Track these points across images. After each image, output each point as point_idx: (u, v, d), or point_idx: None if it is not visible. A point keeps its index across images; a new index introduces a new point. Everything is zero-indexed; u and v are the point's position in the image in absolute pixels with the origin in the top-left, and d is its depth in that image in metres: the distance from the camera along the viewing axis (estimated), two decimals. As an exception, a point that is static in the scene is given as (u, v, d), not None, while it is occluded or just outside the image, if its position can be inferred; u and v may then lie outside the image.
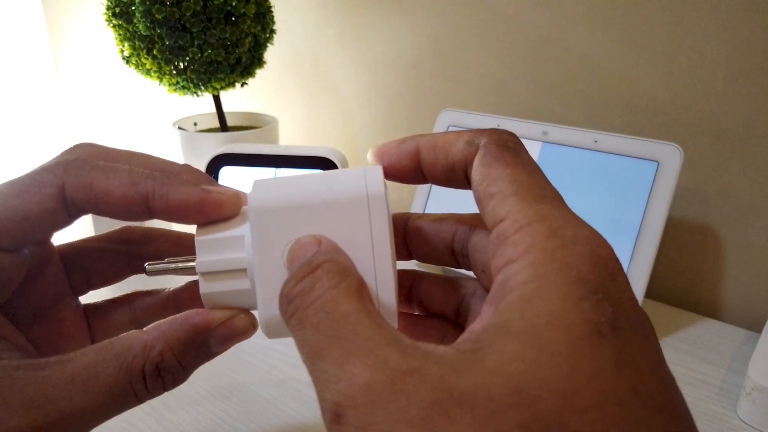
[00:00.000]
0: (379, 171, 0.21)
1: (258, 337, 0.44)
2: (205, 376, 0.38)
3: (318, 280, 0.17)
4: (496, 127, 0.51)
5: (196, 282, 0.25)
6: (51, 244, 0.25)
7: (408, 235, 0.23)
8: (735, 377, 0.39)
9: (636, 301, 0.16)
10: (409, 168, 0.21)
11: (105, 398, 0.20)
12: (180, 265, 0.22)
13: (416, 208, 0.54)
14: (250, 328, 0.22)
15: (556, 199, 0.18)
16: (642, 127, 0.51)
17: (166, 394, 0.37)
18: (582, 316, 0.15)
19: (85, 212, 0.22)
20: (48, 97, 0.91)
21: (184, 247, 0.26)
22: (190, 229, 0.23)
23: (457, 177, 0.20)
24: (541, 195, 0.18)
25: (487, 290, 0.22)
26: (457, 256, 0.23)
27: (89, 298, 0.27)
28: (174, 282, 0.27)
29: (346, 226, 0.20)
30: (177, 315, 0.21)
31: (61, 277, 0.25)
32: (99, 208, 0.22)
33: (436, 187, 0.53)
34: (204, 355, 0.22)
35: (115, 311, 0.27)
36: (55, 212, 0.21)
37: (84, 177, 0.21)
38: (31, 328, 0.24)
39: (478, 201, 0.19)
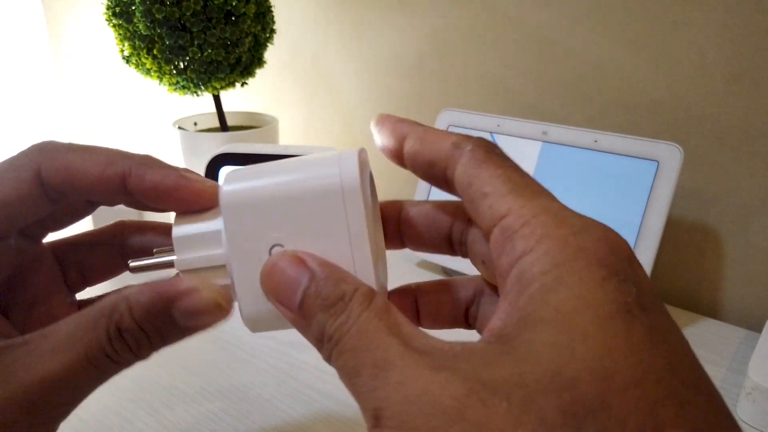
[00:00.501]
0: (354, 159, 0.20)
1: (258, 336, 0.44)
2: (205, 375, 0.38)
3: (351, 312, 0.17)
4: (496, 126, 0.51)
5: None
6: (42, 242, 0.25)
7: (402, 224, 0.23)
8: (735, 377, 0.39)
9: (653, 285, 0.16)
10: (393, 148, 0.21)
11: (81, 360, 0.19)
12: (160, 260, 0.22)
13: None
14: (214, 306, 0.20)
15: (552, 195, 0.18)
16: (642, 127, 0.51)
17: (165, 393, 0.37)
18: (608, 296, 0.15)
19: (65, 195, 0.22)
20: (48, 97, 0.91)
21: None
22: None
23: (434, 174, 0.20)
24: (538, 191, 0.18)
25: (488, 282, 0.22)
26: (454, 245, 0.22)
27: (88, 294, 0.27)
28: (170, 274, 0.27)
29: (321, 220, 0.19)
30: (150, 281, 0.21)
31: (54, 274, 0.25)
32: (76, 188, 0.21)
33: (435, 190, 0.53)
34: (169, 327, 0.20)
35: (103, 248, 0.26)
36: (33, 196, 0.21)
37: (60, 158, 0.21)
38: (24, 326, 0.24)
39: (470, 202, 0.19)
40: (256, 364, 0.40)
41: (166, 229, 0.26)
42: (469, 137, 0.20)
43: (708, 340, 0.44)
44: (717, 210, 0.49)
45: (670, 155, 0.43)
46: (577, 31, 0.52)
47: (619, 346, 0.14)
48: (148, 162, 0.22)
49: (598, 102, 0.53)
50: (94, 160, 0.21)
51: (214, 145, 0.57)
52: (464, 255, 0.22)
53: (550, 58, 0.55)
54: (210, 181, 0.22)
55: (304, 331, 0.18)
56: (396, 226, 0.23)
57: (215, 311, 0.20)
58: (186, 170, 0.22)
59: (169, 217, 0.23)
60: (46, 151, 0.22)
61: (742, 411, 0.36)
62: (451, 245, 0.22)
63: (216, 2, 0.51)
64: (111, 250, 0.26)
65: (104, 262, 0.26)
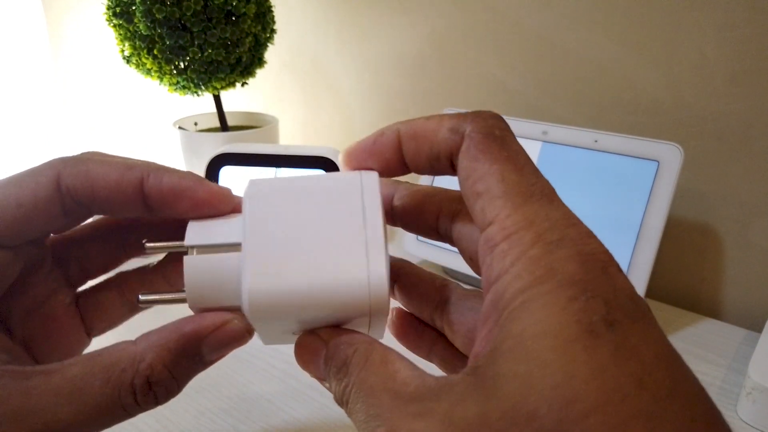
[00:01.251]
0: (382, 258, 0.19)
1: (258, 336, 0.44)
2: (205, 375, 0.38)
3: (351, 374, 0.18)
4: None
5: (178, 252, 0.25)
6: (44, 243, 0.24)
7: (393, 207, 0.23)
8: (735, 377, 0.39)
9: (633, 290, 0.16)
10: (393, 161, 0.21)
11: (91, 412, 0.19)
12: (172, 296, 0.22)
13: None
14: (244, 333, 0.21)
15: (545, 195, 0.17)
16: (642, 127, 0.51)
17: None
18: (572, 318, 0.14)
19: (81, 205, 0.22)
20: (48, 97, 0.91)
21: (177, 228, 0.25)
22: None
23: (443, 166, 0.20)
24: (530, 193, 0.17)
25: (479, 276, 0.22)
26: (442, 236, 0.22)
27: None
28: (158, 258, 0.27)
29: (347, 313, 0.20)
30: (168, 324, 0.20)
31: (54, 273, 0.25)
32: (95, 194, 0.21)
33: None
34: (198, 365, 0.21)
35: (105, 297, 0.26)
36: (50, 201, 0.21)
37: (80, 165, 0.21)
38: (25, 326, 0.24)
39: (466, 198, 0.18)
40: (256, 364, 0.40)
41: (160, 221, 0.25)
42: (466, 116, 0.19)
43: (708, 340, 0.44)
44: (717, 210, 0.49)
45: (671, 155, 0.43)
46: (577, 31, 0.52)
47: (579, 371, 0.14)
48: (165, 168, 0.22)
49: (598, 102, 0.53)
50: (113, 166, 0.21)
51: (214, 145, 0.57)
52: (453, 244, 0.22)
53: (550, 58, 0.55)
54: (219, 187, 0.22)
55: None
56: (389, 210, 0.23)
57: (245, 339, 0.21)
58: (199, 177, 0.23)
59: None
60: (67, 159, 0.22)
61: (742, 411, 0.36)
62: (440, 235, 0.23)
63: (216, 2, 0.51)
64: (109, 241, 0.26)
65: (104, 254, 0.26)
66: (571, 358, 0.14)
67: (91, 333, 0.26)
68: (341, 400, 0.18)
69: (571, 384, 0.13)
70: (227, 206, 0.22)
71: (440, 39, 0.61)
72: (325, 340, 0.20)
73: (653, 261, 0.42)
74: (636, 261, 0.42)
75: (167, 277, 0.26)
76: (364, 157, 0.22)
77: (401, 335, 0.25)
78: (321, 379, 0.20)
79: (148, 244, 0.22)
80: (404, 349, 0.24)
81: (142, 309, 0.26)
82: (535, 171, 0.18)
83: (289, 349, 0.43)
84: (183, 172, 0.22)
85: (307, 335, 0.20)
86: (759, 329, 0.44)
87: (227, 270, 0.20)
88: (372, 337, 0.19)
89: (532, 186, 0.17)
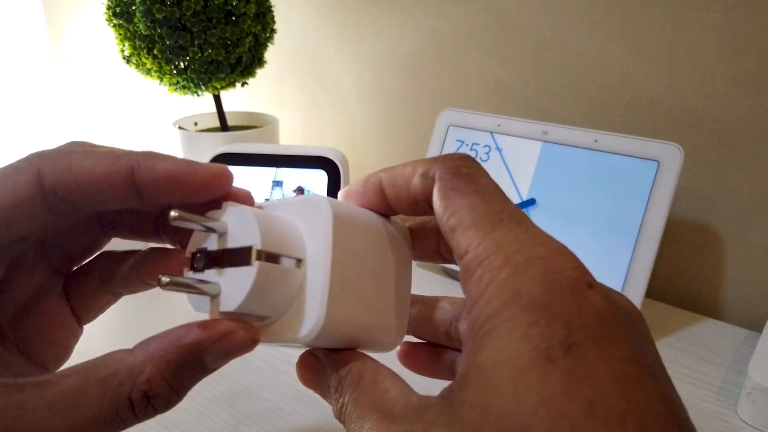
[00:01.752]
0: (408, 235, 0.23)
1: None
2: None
3: (344, 395, 0.19)
4: (496, 126, 0.51)
5: (162, 250, 0.24)
6: (29, 239, 0.23)
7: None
8: (735, 377, 0.39)
9: (604, 306, 0.15)
10: (379, 204, 0.22)
11: (88, 426, 0.18)
12: (199, 285, 0.19)
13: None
14: (249, 343, 0.20)
15: (514, 219, 0.18)
16: (642, 127, 0.51)
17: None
18: (530, 345, 0.14)
19: (66, 201, 0.20)
20: (48, 96, 0.91)
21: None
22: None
23: (422, 208, 0.21)
24: (498, 219, 0.18)
25: None
26: (445, 258, 0.23)
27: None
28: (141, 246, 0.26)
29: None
30: (167, 331, 0.19)
31: (39, 265, 0.24)
32: (81, 189, 0.20)
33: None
34: (200, 373, 0.20)
35: (89, 285, 0.25)
36: (31, 201, 0.19)
37: (62, 160, 0.20)
38: (16, 324, 0.23)
39: (444, 235, 0.19)
40: (256, 363, 0.40)
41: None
42: (435, 160, 0.20)
43: (708, 340, 0.44)
44: (717, 210, 0.49)
45: (671, 155, 0.43)
46: (577, 31, 0.52)
47: (530, 400, 0.14)
48: (155, 154, 0.21)
49: (598, 102, 0.53)
50: (99, 158, 0.20)
51: (214, 145, 0.57)
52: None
53: (550, 57, 0.55)
54: (216, 165, 0.21)
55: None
56: None
57: (250, 348, 0.20)
58: (177, 163, 0.21)
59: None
60: (47, 154, 0.20)
61: (742, 411, 0.36)
62: (443, 257, 0.24)
63: (216, 2, 0.51)
64: (89, 225, 0.25)
65: (85, 238, 0.25)
66: (524, 387, 0.14)
67: (80, 322, 0.25)
68: (340, 418, 0.19)
69: (521, 413, 0.14)
70: (223, 187, 0.21)
71: (440, 39, 0.61)
72: (323, 361, 0.21)
73: (653, 261, 0.42)
74: (636, 261, 0.42)
75: (140, 273, 0.24)
76: (355, 202, 0.22)
77: (419, 368, 0.26)
78: (324, 396, 0.21)
79: (174, 213, 0.19)
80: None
81: (123, 295, 0.25)
82: (503, 198, 0.18)
83: (289, 349, 0.43)
84: (175, 158, 0.21)
85: (306, 356, 0.21)
86: (759, 329, 0.44)
87: (286, 284, 0.19)
88: (366, 355, 0.20)
89: (500, 212, 0.18)
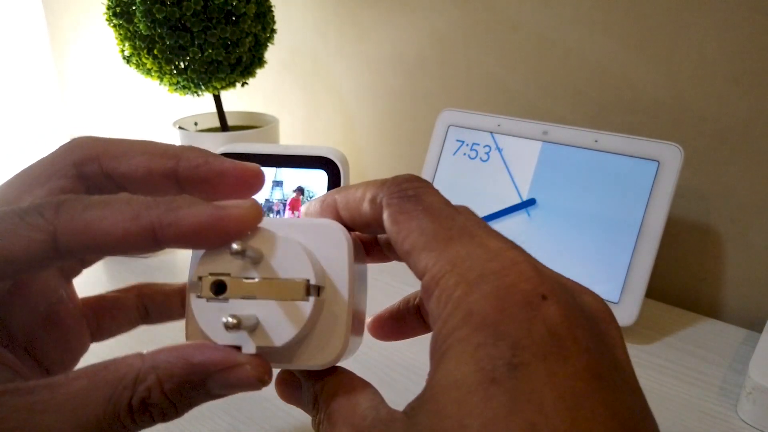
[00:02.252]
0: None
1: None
2: (205, 375, 0.38)
3: (320, 411, 0.19)
4: (497, 126, 0.51)
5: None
6: None
7: (381, 243, 0.24)
8: (735, 377, 0.39)
9: (559, 318, 0.15)
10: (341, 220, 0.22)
11: (92, 428, 0.18)
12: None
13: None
14: (257, 383, 0.19)
15: (466, 233, 0.18)
16: (642, 127, 0.51)
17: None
18: (476, 367, 0.14)
19: (78, 257, 0.19)
20: (48, 97, 0.91)
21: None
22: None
23: (376, 231, 0.21)
24: (449, 237, 0.17)
25: None
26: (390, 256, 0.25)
27: (93, 289, 0.27)
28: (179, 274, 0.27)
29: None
30: (181, 345, 0.19)
31: (54, 272, 0.24)
32: (98, 248, 0.19)
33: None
34: (202, 396, 0.19)
35: (123, 302, 0.25)
36: (43, 258, 0.19)
37: (78, 220, 0.19)
38: (26, 327, 0.23)
39: (402, 259, 0.19)
40: (256, 364, 0.40)
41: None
42: (382, 184, 0.20)
43: (708, 340, 0.44)
44: (717, 210, 0.49)
45: (671, 155, 0.43)
46: (577, 31, 0.52)
47: (474, 424, 0.14)
48: (177, 203, 0.19)
49: (598, 102, 0.53)
50: (117, 216, 0.18)
51: (214, 145, 0.57)
52: None
53: (550, 58, 0.55)
54: (247, 201, 0.19)
55: None
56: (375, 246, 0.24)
57: (257, 387, 0.19)
58: (218, 160, 0.21)
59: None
60: (63, 210, 0.19)
61: (742, 411, 0.36)
62: None
63: (216, 2, 0.51)
64: None
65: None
66: (468, 411, 0.14)
67: (96, 333, 0.25)
68: None
69: None
70: (255, 222, 0.20)
71: (440, 39, 0.61)
72: (298, 377, 0.21)
73: (653, 261, 0.42)
74: (636, 261, 0.42)
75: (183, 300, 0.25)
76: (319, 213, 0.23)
77: (382, 335, 0.26)
78: (306, 412, 0.21)
79: (237, 247, 0.18)
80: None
81: (149, 323, 0.26)
82: (451, 214, 0.18)
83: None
84: (199, 207, 0.19)
85: (284, 373, 0.22)
86: (759, 329, 0.43)
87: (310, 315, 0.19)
88: (340, 369, 0.20)
89: (449, 229, 0.18)
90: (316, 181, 0.47)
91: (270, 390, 0.37)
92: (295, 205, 0.57)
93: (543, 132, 0.49)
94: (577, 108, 0.54)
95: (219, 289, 0.19)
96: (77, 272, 0.25)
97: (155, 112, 0.89)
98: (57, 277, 0.24)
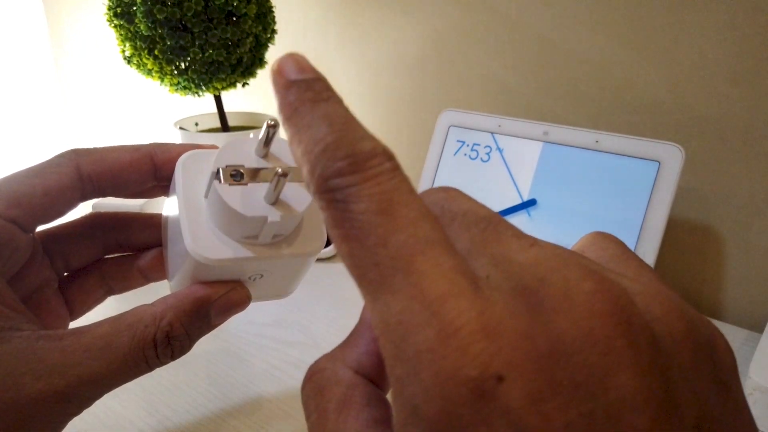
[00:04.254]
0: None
1: (258, 337, 0.44)
2: (206, 375, 0.38)
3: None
4: (497, 127, 0.51)
5: (159, 251, 0.29)
6: (34, 234, 0.27)
7: None
8: (736, 377, 0.39)
9: (526, 402, 0.10)
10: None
11: (119, 365, 0.21)
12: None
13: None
14: (245, 299, 0.25)
15: (399, 270, 0.12)
16: (643, 128, 0.51)
17: (167, 393, 0.37)
18: None
19: (98, 188, 0.25)
20: (49, 97, 0.91)
21: (153, 227, 0.29)
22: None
23: None
24: (378, 278, 0.12)
25: None
26: None
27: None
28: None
29: None
30: (181, 290, 0.24)
31: (44, 263, 0.27)
32: (113, 176, 0.25)
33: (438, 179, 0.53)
34: (206, 326, 0.24)
35: (88, 283, 0.29)
36: (71, 188, 0.24)
37: (94, 154, 0.25)
38: (34, 305, 0.26)
39: None
40: (256, 364, 0.40)
41: (140, 217, 0.29)
42: (313, 165, 0.13)
43: (709, 341, 0.44)
44: (718, 210, 0.49)
45: (672, 156, 0.43)
46: (578, 31, 0.52)
47: None
48: (164, 142, 0.26)
49: (599, 102, 0.53)
50: (122, 149, 0.25)
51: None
52: None
53: (551, 58, 0.55)
54: (210, 144, 0.26)
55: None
56: None
57: (245, 304, 0.25)
58: (188, 144, 0.27)
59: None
60: (80, 151, 0.25)
61: (743, 411, 0.36)
62: None
63: (217, 3, 0.51)
64: (92, 239, 0.29)
65: (86, 251, 0.29)
66: None
67: (72, 315, 0.29)
68: None
69: None
70: None
71: (441, 39, 0.61)
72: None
73: (654, 261, 0.42)
74: (637, 261, 0.42)
75: (143, 270, 0.29)
76: None
77: None
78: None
79: (272, 122, 0.22)
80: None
81: (113, 294, 0.30)
82: (383, 234, 0.12)
83: (289, 348, 0.43)
84: (183, 144, 0.26)
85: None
86: (760, 330, 0.43)
87: None
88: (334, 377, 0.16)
89: (377, 265, 0.12)
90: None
91: (270, 390, 0.37)
92: (295, 206, 0.57)
93: (544, 132, 0.49)
94: (578, 108, 0.54)
95: (236, 176, 0.22)
96: (63, 271, 0.29)
97: (156, 112, 0.89)
98: (50, 270, 0.28)
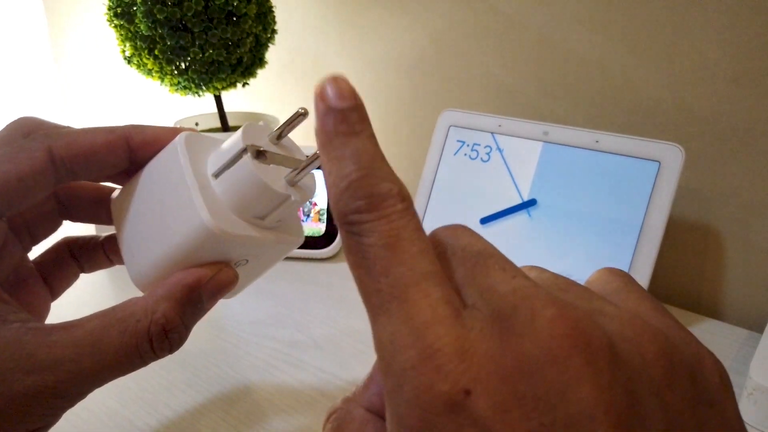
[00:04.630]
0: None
1: (259, 336, 0.44)
2: (205, 375, 0.38)
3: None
4: (497, 127, 0.51)
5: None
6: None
7: None
8: (736, 377, 0.39)
9: (493, 411, 0.12)
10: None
11: (110, 361, 0.21)
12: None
13: (418, 208, 0.54)
14: (234, 279, 0.24)
15: (395, 298, 0.14)
16: (643, 128, 0.51)
17: (166, 393, 0.37)
18: None
19: (71, 171, 0.24)
20: (49, 97, 0.91)
21: (106, 193, 0.28)
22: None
23: None
24: (378, 304, 0.14)
25: None
26: None
27: (98, 292, 0.28)
28: (102, 230, 0.31)
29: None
30: (168, 279, 0.23)
31: (13, 242, 0.26)
32: (86, 159, 0.24)
33: (436, 190, 0.53)
34: (199, 312, 0.24)
35: (64, 261, 0.29)
36: (43, 172, 0.23)
37: (66, 136, 0.24)
38: (11, 290, 0.25)
39: None
40: (256, 364, 0.40)
41: (90, 185, 0.29)
42: (339, 194, 0.15)
43: (709, 341, 0.44)
44: (718, 210, 0.49)
45: (672, 156, 0.43)
46: (578, 31, 0.52)
47: None
48: (141, 124, 0.26)
49: (599, 102, 0.53)
50: (96, 131, 0.24)
51: (215, 145, 0.57)
52: None
53: (551, 58, 0.55)
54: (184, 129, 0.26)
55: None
56: None
57: (234, 283, 0.24)
58: (164, 127, 0.27)
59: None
60: (51, 134, 0.24)
61: (743, 411, 0.36)
62: None
63: (217, 3, 0.51)
64: (51, 208, 0.28)
65: (48, 221, 0.28)
66: None
67: (54, 296, 0.28)
68: None
69: None
70: None
71: (441, 39, 0.61)
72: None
73: (654, 261, 0.42)
74: (637, 262, 0.42)
75: (108, 254, 0.29)
76: None
77: None
78: None
79: (303, 110, 0.24)
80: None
81: (84, 273, 0.30)
82: (385, 266, 0.14)
83: (289, 349, 0.43)
84: (159, 126, 0.26)
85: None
86: (760, 330, 0.43)
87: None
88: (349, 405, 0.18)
89: (378, 292, 0.14)
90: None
91: (270, 390, 0.37)
92: (295, 206, 0.57)
93: (544, 132, 0.49)
94: (578, 108, 0.54)
95: (261, 156, 0.23)
96: (30, 247, 0.28)
97: (156, 112, 0.89)
98: (22, 251, 0.27)
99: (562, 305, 0.13)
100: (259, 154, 0.23)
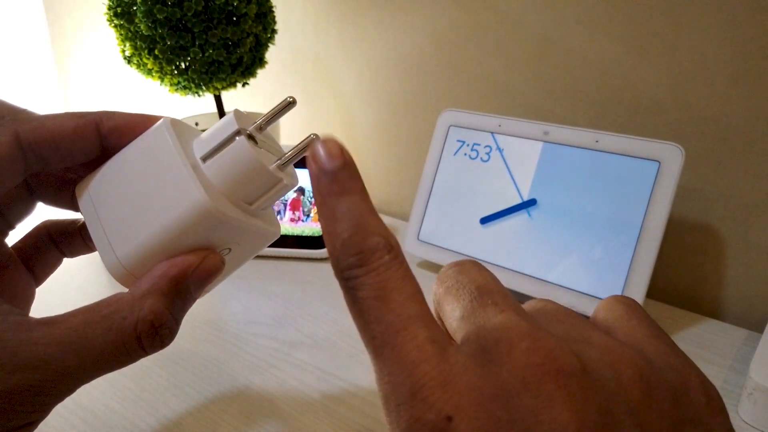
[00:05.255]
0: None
1: (258, 336, 0.44)
2: (205, 375, 0.38)
3: None
4: (497, 127, 0.51)
5: None
6: None
7: None
8: (736, 377, 0.39)
9: (481, 428, 0.14)
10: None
11: (96, 359, 0.20)
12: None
13: (416, 212, 0.54)
14: (221, 264, 0.23)
15: (387, 343, 0.16)
16: (643, 127, 0.51)
17: (166, 393, 0.37)
18: None
19: (41, 157, 0.23)
20: (49, 97, 0.91)
21: (71, 177, 0.27)
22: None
23: None
24: (375, 348, 0.16)
25: None
26: None
27: (93, 284, 0.27)
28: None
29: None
30: (152, 272, 0.22)
31: None
32: (56, 144, 0.23)
33: (436, 190, 0.53)
34: (188, 302, 0.23)
35: (44, 246, 0.28)
36: (11, 159, 0.22)
37: (34, 120, 0.23)
38: None
39: None
40: (256, 364, 0.40)
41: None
42: (336, 249, 0.17)
43: (709, 341, 0.44)
44: (718, 210, 0.49)
45: (672, 155, 0.43)
46: (578, 31, 0.52)
47: None
48: (114, 111, 0.25)
49: (599, 102, 0.53)
50: (67, 116, 0.23)
51: (215, 145, 0.57)
52: None
53: (551, 58, 0.55)
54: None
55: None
56: None
57: (220, 270, 0.23)
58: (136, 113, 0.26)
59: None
60: (19, 117, 0.23)
61: (743, 411, 0.36)
62: None
63: (217, 2, 0.51)
64: (23, 196, 0.27)
65: (22, 204, 0.27)
66: None
67: (37, 282, 0.28)
68: None
69: None
70: None
71: (441, 39, 0.61)
72: None
73: (654, 261, 0.42)
74: (637, 261, 0.42)
75: (84, 237, 0.28)
76: None
77: None
78: None
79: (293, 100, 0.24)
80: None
81: (66, 258, 0.29)
82: (378, 314, 0.16)
83: (289, 349, 0.43)
84: (131, 113, 0.25)
85: None
86: (760, 330, 0.43)
87: None
88: None
89: (373, 338, 0.16)
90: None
91: (270, 390, 0.37)
92: (295, 205, 0.57)
93: (544, 132, 0.49)
94: (578, 108, 0.54)
95: (252, 140, 0.23)
96: (6, 232, 0.27)
97: (156, 112, 0.89)
98: (1, 241, 0.26)
99: (538, 337, 0.15)
100: (251, 138, 0.23)
